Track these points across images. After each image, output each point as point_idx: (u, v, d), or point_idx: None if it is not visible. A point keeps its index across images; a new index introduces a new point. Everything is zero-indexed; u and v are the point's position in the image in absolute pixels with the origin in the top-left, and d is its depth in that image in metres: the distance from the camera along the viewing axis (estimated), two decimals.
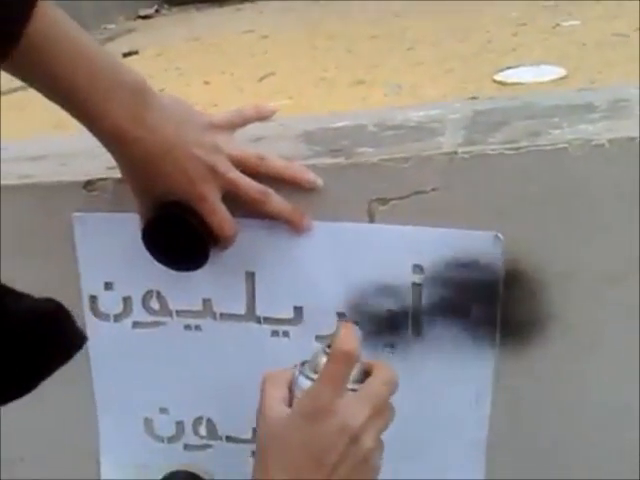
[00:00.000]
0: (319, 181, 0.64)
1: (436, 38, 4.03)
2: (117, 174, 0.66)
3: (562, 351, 0.65)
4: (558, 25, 3.90)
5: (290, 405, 0.55)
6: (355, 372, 0.54)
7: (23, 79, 0.56)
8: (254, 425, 0.73)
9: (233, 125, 0.66)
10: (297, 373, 0.55)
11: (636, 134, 0.59)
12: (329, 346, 0.56)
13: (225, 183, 0.61)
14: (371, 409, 0.53)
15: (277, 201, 0.63)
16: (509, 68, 3.25)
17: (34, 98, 0.63)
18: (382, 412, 0.54)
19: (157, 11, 7.22)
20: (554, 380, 0.67)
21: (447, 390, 0.68)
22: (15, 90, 3.54)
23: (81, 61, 0.55)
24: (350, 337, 0.54)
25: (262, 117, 0.71)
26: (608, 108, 0.67)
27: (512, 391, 0.67)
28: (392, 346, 0.68)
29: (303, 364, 0.56)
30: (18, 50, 0.52)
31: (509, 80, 3.10)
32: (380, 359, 0.68)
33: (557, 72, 3.07)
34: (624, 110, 0.66)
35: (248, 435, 0.74)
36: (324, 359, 0.55)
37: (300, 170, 0.64)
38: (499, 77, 3.16)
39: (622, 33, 3.46)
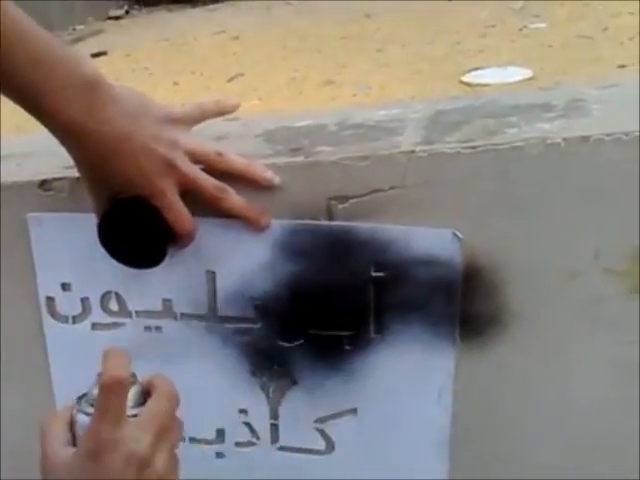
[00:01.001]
0: (276, 179, 0.64)
1: (405, 39, 4.06)
2: (74, 174, 0.66)
3: (521, 346, 0.66)
4: (525, 27, 3.95)
5: (75, 446, 0.52)
6: (133, 397, 0.52)
7: None
8: (218, 426, 0.74)
9: (192, 119, 0.65)
10: (75, 411, 0.52)
11: (591, 133, 0.60)
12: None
13: (183, 179, 0.61)
14: (155, 430, 0.51)
15: (235, 198, 0.63)
16: (476, 69, 3.29)
17: None
18: (168, 430, 0.52)
19: (127, 12, 7.16)
20: (514, 375, 0.68)
21: (409, 387, 0.69)
22: None
23: (35, 57, 0.55)
24: (115, 362, 0.51)
25: (223, 112, 0.69)
26: (565, 107, 0.68)
27: (473, 386, 0.68)
28: (353, 344, 0.68)
29: (80, 399, 0.53)
30: None
31: (476, 81, 3.13)
32: (342, 358, 0.69)
33: (523, 73, 3.11)
34: (580, 109, 0.67)
35: (212, 436, 0.74)
36: (97, 391, 0.51)
37: (258, 168, 0.64)
38: (466, 78, 3.19)
39: (587, 35, 3.51)
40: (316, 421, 0.71)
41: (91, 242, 0.64)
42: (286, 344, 0.69)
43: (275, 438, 0.73)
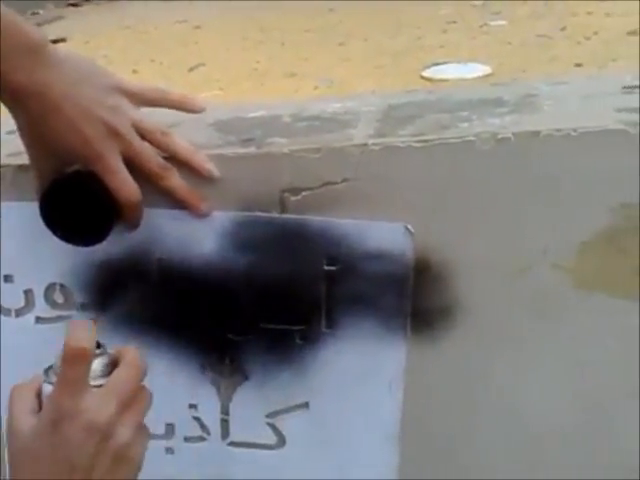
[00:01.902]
0: (216, 173, 0.63)
1: (367, 34, 4.06)
2: (16, 161, 0.64)
3: (471, 340, 0.67)
4: (486, 24, 3.99)
5: None
6: (98, 367, 0.51)
7: None
8: (167, 421, 0.72)
9: (145, 98, 0.64)
10: (43, 380, 0.52)
11: (542, 128, 0.60)
12: None
13: (126, 148, 0.60)
14: (119, 400, 0.51)
15: (177, 179, 0.62)
16: (436, 65, 3.31)
17: None
18: (134, 400, 0.52)
19: None
20: (464, 368, 0.68)
21: (361, 381, 0.69)
22: None
23: None
24: (79, 334, 0.50)
25: (184, 107, 0.67)
26: (517, 102, 0.69)
27: (424, 380, 0.68)
28: (305, 338, 0.68)
29: (47, 370, 0.53)
30: None
31: (436, 77, 3.15)
32: (293, 352, 0.68)
33: (483, 70, 3.14)
34: (532, 105, 0.68)
35: (161, 431, 0.73)
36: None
37: (200, 157, 0.63)
38: (427, 73, 3.21)
39: (546, 34, 3.56)
40: (267, 416, 0.71)
41: (34, 232, 0.62)
42: (237, 338, 0.69)
43: (226, 433, 0.72)
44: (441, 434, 0.70)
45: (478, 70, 3.12)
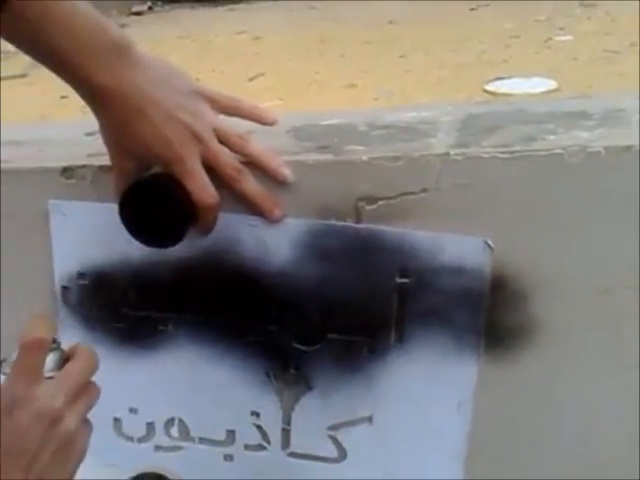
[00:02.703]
0: (290, 178, 0.62)
1: (428, 47, 4.03)
2: (97, 162, 0.64)
3: (546, 361, 0.64)
4: (550, 39, 3.91)
5: None
6: (52, 360, 0.53)
7: (12, 43, 0.57)
8: (228, 427, 0.72)
9: (222, 106, 0.64)
10: None
11: (633, 142, 0.57)
12: None
13: (205, 152, 0.60)
14: (70, 390, 0.52)
15: (251, 183, 0.62)
16: (500, 79, 3.25)
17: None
18: (83, 392, 0.53)
19: (150, 8, 7.18)
20: (537, 390, 0.65)
21: (428, 398, 0.67)
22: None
23: (65, 25, 0.56)
24: (37, 326, 0.53)
25: (256, 119, 0.67)
26: (603, 116, 0.66)
27: (494, 400, 0.66)
28: (373, 351, 0.66)
29: (1, 362, 0.54)
30: (7, 16, 0.53)
31: (500, 90, 3.10)
32: (360, 364, 0.67)
33: (548, 84, 3.08)
34: (620, 119, 0.65)
35: (222, 437, 0.72)
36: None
37: (277, 161, 0.62)
38: (490, 87, 3.16)
39: (614, 49, 3.47)
40: (329, 428, 0.69)
41: (111, 232, 0.62)
42: (303, 347, 0.67)
43: (286, 444, 0.71)
44: (508, 457, 0.68)
45: (543, 85, 3.06)
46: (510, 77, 3.24)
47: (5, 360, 0.54)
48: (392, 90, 3.27)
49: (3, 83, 3.51)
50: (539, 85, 3.07)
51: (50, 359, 0.53)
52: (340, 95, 3.31)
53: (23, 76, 4.24)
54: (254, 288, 0.66)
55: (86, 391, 0.54)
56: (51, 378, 0.52)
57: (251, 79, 3.82)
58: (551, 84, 3.07)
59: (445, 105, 0.77)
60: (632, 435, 0.65)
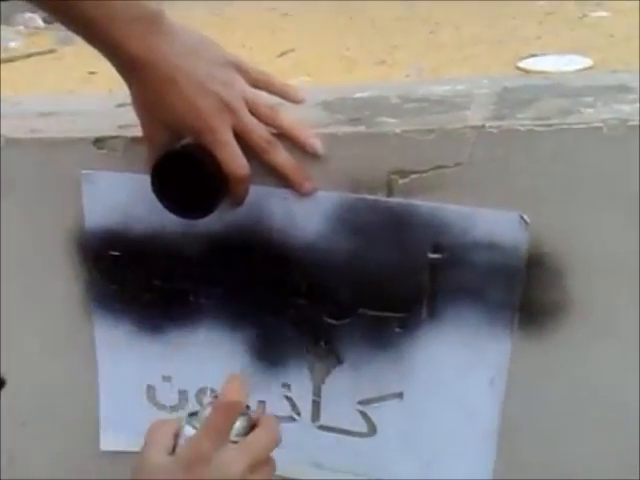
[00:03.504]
0: (320, 150, 0.61)
1: (459, 23, 3.97)
2: (129, 133, 0.64)
3: (581, 339, 0.63)
4: (585, 16, 3.83)
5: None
6: (240, 425, 0.54)
7: (49, 13, 0.58)
8: (259, 398, 0.72)
9: (251, 77, 0.63)
10: (184, 422, 0.55)
11: None
12: (216, 397, 0.56)
13: (236, 121, 0.59)
14: (251, 460, 0.52)
15: (282, 155, 0.61)
16: (533, 56, 3.19)
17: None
18: (261, 465, 0.54)
19: None
20: (571, 369, 0.64)
21: (460, 374, 0.66)
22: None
23: None
24: (234, 388, 0.54)
25: (284, 96, 0.67)
26: None
27: (527, 377, 0.65)
28: (404, 327, 0.66)
29: (191, 415, 0.55)
30: None
31: (533, 68, 3.04)
32: (391, 340, 0.66)
33: (583, 62, 3.01)
34: None
35: (252, 407, 0.72)
36: (210, 410, 0.54)
37: (307, 132, 0.61)
38: (523, 64, 3.11)
39: None
40: (359, 402, 0.69)
41: (145, 201, 0.62)
42: (334, 322, 0.67)
43: (316, 416, 0.71)
44: (541, 435, 0.67)
45: (578, 62, 3.00)
46: (544, 54, 3.17)
47: (196, 414, 0.55)
48: (423, 67, 3.23)
49: (33, 59, 3.54)
50: (574, 62, 3.00)
51: (238, 424, 0.54)
52: (370, 72, 3.28)
53: (52, 51, 4.27)
54: (284, 261, 0.66)
55: (265, 464, 0.54)
56: (236, 443, 0.53)
57: (280, 55, 3.80)
58: (586, 62, 3.01)
59: (480, 79, 0.76)
60: None
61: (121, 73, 0.59)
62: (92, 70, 3.24)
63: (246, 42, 4.14)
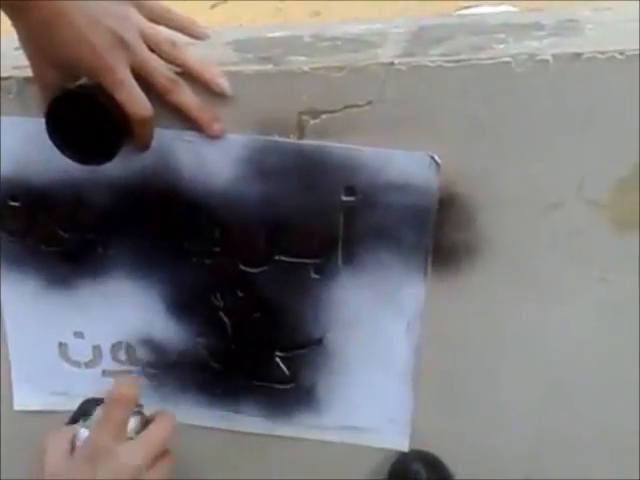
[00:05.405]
0: (227, 89, 0.59)
1: None
2: (23, 74, 0.60)
3: (495, 279, 0.63)
4: None
5: None
6: (134, 423, 0.55)
7: None
8: (177, 350, 0.70)
9: (152, 13, 0.60)
10: (79, 427, 0.56)
11: (584, 50, 0.55)
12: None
13: (133, 58, 0.56)
14: (149, 454, 0.54)
15: (187, 94, 0.58)
16: (469, 7, 3.19)
17: None
18: (161, 458, 0.55)
19: None
20: (486, 309, 0.65)
21: (377, 319, 0.66)
22: None
23: None
24: (124, 386, 0.55)
25: (187, 31, 0.65)
26: (556, 27, 0.64)
27: (443, 320, 0.65)
28: (320, 272, 0.65)
29: (85, 418, 0.57)
30: None
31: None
32: (308, 286, 0.65)
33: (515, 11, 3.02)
34: (572, 29, 0.63)
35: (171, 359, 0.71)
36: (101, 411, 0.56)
37: (213, 70, 0.59)
38: (459, 14, 3.10)
39: None
40: (279, 350, 0.69)
41: (44, 147, 0.58)
42: (250, 269, 0.66)
43: (234, 366, 0.70)
44: (457, 376, 0.68)
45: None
46: (479, 5, 3.17)
47: (90, 416, 0.56)
48: (357, 19, 3.18)
49: None
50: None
51: (132, 421, 0.55)
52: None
53: None
54: (195, 208, 0.63)
55: (163, 456, 0.55)
56: (131, 439, 0.54)
57: (212, 7, 3.69)
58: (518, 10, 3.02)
59: (398, 19, 0.74)
60: (585, 360, 0.65)
61: (5, 11, 0.54)
62: None
63: None
